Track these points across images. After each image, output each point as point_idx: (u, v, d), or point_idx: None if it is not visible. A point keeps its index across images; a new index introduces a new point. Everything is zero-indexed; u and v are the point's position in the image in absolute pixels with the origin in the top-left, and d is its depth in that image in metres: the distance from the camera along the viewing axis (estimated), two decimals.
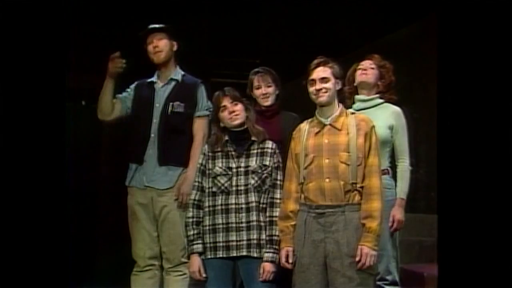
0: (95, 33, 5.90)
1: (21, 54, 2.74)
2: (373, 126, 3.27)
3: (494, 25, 2.66)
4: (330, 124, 3.27)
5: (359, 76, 3.83)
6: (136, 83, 4.02)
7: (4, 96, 2.70)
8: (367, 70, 3.82)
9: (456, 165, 2.67)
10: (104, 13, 5.52)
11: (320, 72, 3.27)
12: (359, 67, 3.86)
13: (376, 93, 3.83)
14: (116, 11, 5.48)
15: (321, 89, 3.25)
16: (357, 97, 3.84)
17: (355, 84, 3.85)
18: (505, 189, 2.58)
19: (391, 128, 3.72)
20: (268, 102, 3.79)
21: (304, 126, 3.36)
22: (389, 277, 3.63)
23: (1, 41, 2.72)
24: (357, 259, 3.08)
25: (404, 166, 3.72)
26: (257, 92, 3.80)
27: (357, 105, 3.81)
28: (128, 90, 4.01)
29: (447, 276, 2.68)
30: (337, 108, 3.31)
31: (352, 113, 3.36)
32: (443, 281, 2.71)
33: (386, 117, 3.73)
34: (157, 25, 3.91)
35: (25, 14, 2.76)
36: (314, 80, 3.27)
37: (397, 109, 3.79)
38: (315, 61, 3.31)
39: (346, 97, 3.82)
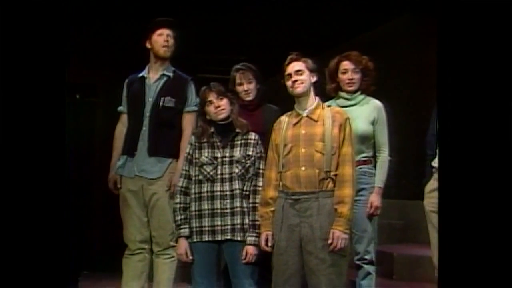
0: (91, 28, 5.93)
1: (21, 50, 2.70)
2: (347, 118, 3.37)
3: (494, 22, 2.63)
4: (307, 116, 3.38)
5: (346, 86, 3.92)
6: (127, 80, 4.09)
7: (4, 93, 2.68)
8: (353, 79, 3.90)
9: (456, 163, 2.63)
10: (100, 10, 5.63)
11: (295, 66, 3.40)
12: (343, 72, 3.92)
13: (359, 90, 3.95)
14: (112, 8, 5.59)
15: (296, 80, 3.37)
16: (341, 94, 3.97)
17: (337, 80, 3.95)
18: (506, 187, 2.56)
19: (373, 122, 3.87)
20: (250, 97, 3.89)
21: (284, 118, 3.46)
22: (367, 257, 3.80)
23: (1, 36, 2.69)
24: (329, 242, 3.19)
25: (383, 157, 3.87)
26: (239, 89, 3.89)
27: (340, 101, 3.93)
28: (123, 92, 4.09)
29: (447, 273, 2.63)
30: (314, 100, 3.42)
31: (328, 106, 3.48)
32: (443, 278, 2.66)
33: (369, 113, 3.88)
34: (173, 19, 4.01)
35: (25, 10, 2.73)
36: (290, 74, 3.39)
37: (378, 103, 3.93)
38: (289, 58, 3.43)
39: (330, 93, 3.95)
